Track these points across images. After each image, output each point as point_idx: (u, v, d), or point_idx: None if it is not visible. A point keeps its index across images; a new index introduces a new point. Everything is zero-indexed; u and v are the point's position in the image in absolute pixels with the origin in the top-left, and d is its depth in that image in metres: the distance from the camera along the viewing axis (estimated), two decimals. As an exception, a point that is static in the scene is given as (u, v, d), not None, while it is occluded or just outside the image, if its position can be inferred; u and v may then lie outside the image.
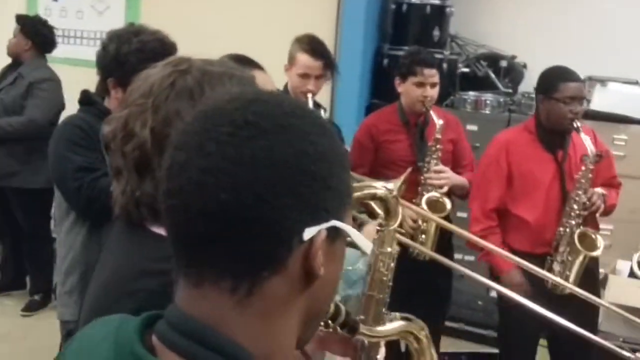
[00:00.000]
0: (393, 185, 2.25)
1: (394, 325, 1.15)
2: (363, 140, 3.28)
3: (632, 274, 4.34)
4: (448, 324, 4.18)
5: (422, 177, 3.11)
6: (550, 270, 2.89)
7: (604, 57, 4.75)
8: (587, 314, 2.74)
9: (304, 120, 0.75)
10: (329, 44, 4.75)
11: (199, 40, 4.69)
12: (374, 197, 1.37)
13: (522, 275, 2.89)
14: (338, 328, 0.94)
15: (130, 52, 2.10)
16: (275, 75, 3.13)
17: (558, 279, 2.69)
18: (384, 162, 3.21)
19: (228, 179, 0.69)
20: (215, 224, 0.70)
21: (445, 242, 3.21)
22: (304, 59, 2.95)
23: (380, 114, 3.38)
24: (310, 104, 2.91)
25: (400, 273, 3.09)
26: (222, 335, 0.70)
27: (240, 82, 1.15)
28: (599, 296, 3.11)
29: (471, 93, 4.63)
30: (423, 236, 3.10)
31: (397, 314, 1.18)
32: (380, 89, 4.85)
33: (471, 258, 3.33)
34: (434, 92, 3.14)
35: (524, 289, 2.79)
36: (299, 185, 0.71)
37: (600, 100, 4.45)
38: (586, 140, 2.82)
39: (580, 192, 2.86)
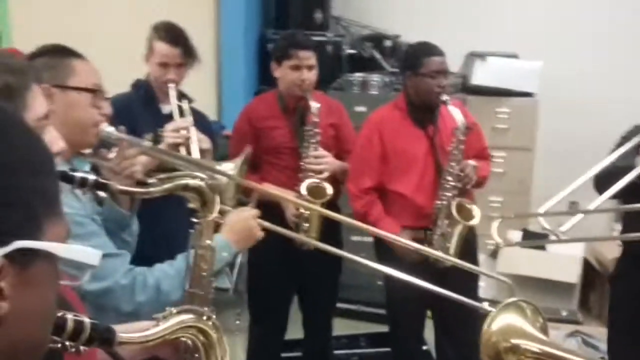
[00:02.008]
0: (233, 165, 2.20)
1: (168, 323, 1.05)
2: (241, 127, 3.19)
3: (523, 245, 4.48)
4: (346, 306, 4.18)
5: (301, 164, 3.03)
6: (430, 243, 2.91)
7: (485, 32, 4.84)
8: (467, 283, 2.77)
9: None
10: (210, 32, 4.66)
11: (79, 33, 4.50)
12: (185, 188, 1.30)
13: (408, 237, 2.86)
14: (82, 346, 0.83)
15: None
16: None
17: (439, 253, 2.68)
18: (266, 150, 3.13)
19: None
20: None
21: (333, 227, 3.15)
22: (162, 48, 2.82)
23: (259, 100, 3.30)
24: (173, 95, 2.78)
25: (285, 265, 3.07)
26: None
27: (7, 70, 1.06)
28: (476, 264, 3.17)
29: (357, 74, 4.62)
30: (306, 224, 3.02)
31: (173, 309, 1.09)
32: (268, 74, 4.77)
33: (358, 238, 3.30)
34: (311, 75, 3.06)
35: (411, 255, 2.77)
36: None
37: (481, 74, 4.53)
38: (455, 112, 2.84)
39: (453, 164, 2.88)
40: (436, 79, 2.88)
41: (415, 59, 2.96)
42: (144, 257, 2.02)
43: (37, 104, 1.10)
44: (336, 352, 3.66)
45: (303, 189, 2.96)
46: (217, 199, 1.33)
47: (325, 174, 3.01)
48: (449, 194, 2.90)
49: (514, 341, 1.19)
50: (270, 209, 2.95)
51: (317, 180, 3.00)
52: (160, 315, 1.08)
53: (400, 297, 3.00)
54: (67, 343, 0.81)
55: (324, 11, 4.68)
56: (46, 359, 0.86)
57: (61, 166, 1.69)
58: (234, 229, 1.77)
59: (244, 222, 1.78)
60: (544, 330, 1.23)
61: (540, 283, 4.37)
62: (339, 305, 3.93)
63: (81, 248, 0.69)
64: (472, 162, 2.96)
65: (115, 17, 4.42)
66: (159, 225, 2.57)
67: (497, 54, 4.61)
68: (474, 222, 2.89)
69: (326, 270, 3.17)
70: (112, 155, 1.88)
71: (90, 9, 4.55)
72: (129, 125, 2.89)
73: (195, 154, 2.61)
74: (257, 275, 3.30)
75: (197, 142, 2.65)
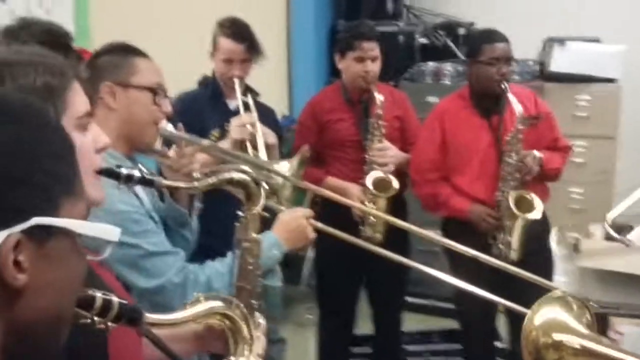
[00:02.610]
0: (289, 166, 2.19)
1: (196, 309, 1.06)
2: (305, 120, 3.17)
3: (608, 237, 4.27)
4: (418, 301, 4.12)
5: (366, 156, 3.00)
6: (494, 238, 2.84)
7: (564, 16, 4.65)
8: (540, 274, 2.68)
9: None
10: (281, 25, 4.68)
11: (151, 31, 4.62)
12: (230, 182, 1.29)
13: (482, 208, 2.87)
14: (110, 323, 0.86)
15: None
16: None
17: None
18: (329, 143, 3.11)
19: None
20: None
21: (399, 217, 3.12)
22: (226, 44, 2.83)
23: (324, 92, 3.28)
24: (238, 90, 2.80)
25: (351, 259, 3.06)
26: None
27: (48, 71, 1.07)
28: (550, 260, 3.05)
29: (430, 64, 4.52)
30: (372, 218, 2.99)
31: (201, 296, 1.09)
32: (339, 67, 4.78)
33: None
34: (375, 67, 3.01)
35: (490, 217, 2.81)
36: None
37: (560, 60, 4.35)
38: (513, 101, 2.74)
39: (512, 154, 2.79)
40: (496, 66, 2.78)
41: (476, 45, 2.88)
42: (201, 246, 2.04)
43: (77, 103, 1.11)
44: (408, 347, 3.60)
45: (368, 182, 2.93)
46: (262, 192, 1.32)
47: (391, 167, 2.97)
48: (509, 186, 2.81)
49: (556, 337, 1.12)
50: (335, 202, 2.93)
51: (383, 174, 2.96)
52: (188, 301, 1.09)
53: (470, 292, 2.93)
54: (96, 319, 0.85)
55: (396, 1, 4.61)
56: (89, 338, 0.91)
57: (122, 162, 1.73)
58: (285, 228, 1.78)
59: (296, 221, 1.79)
60: (591, 327, 1.15)
61: (624, 278, 4.16)
62: (411, 300, 3.88)
63: (98, 225, 0.74)
64: (536, 152, 2.85)
65: (189, 14, 4.51)
66: (217, 216, 2.60)
67: (577, 38, 4.42)
68: (534, 215, 2.77)
69: (393, 263, 3.12)
70: (172, 153, 1.90)
71: (165, 6, 4.66)
72: (196, 121, 2.94)
73: (261, 149, 2.61)
74: (325, 269, 3.29)
75: (263, 136, 2.65)
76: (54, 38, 2.10)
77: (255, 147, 2.62)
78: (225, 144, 2.70)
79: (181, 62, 3.71)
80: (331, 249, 3.16)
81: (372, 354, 3.47)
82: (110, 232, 0.75)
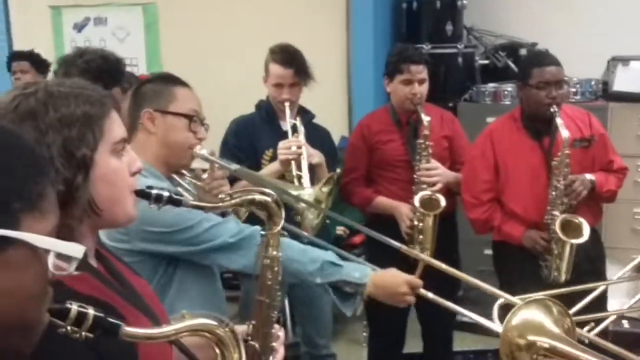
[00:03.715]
0: (312, 191, 2.27)
1: (179, 325, 1.04)
2: (356, 142, 3.26)
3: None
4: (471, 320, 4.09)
5: (414, 176, 3.07)
6: (545, 259, 2.85)
7: (629, 35, 4.56)
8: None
9: None
10: (341, 48, 4.79)
11: (217, 57, 4.83)
12: (252, 202, 1.39)
13: (534, 232, 2.87)
14: (85, 333, 0.89)
15: (77, 74, 2.19)
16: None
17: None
18: (379, 163, 3.19)
19: None
20: None
21: (449, 237, 3.18)
22: (275, 69, 2.97)
23: (373, 114, 3.36)
24: (288, 113, 2.93)
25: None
26: None
27: (87, 101, 1.18)
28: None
29: (490, 85, 4.52)
30: (421, 236, 3.04)
31: (187, 312, 1.12)
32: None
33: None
34: (422, 89, 3.08)
35: (542, 239, 2.82)
36: None
37: (624, 80, 4.28)
38: (560, 125, 2.73)
39: (560, 179, 2.77)
40: (545, 90, 2.78)
41: (526, 69, 2.90)
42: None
43: (114, 130, 1.21)
44: (461, 367, 3.61)
45: (416, 201, 2.99)
46: (283, 213, 1.41)
47: (439, 186, 3.02)
48: (558, 209, 2.80)
49: (530, 338, 1.14)
50: (384, 221, 3.01)
51: (430, 193, 3.01)
52: (174, 317, 1.11)
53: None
54: (69, 328, 0.88)
55: (455, 23, 4.64)
56: (119, 344, 0.96)
57: (162, 182, 1.87)
58: (384, 284, 1.97)
59: (398, 286, 1.97)
60: (570, 334, 1.17)
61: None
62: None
63: (61, 242, 0.77)
64: (585, 176, 2.83)
65: (253, 39, 4.68)
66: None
67: (641, 57, 4.34)
68: (580, 240, 2.74)
69: (443, 280, 3.14)
70: (205, 175, 2.04)
71: (227, 38, 4.86)
72: (252, 142, 3.09)
73: (304, 169, 2.73)
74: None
75: (308, 157, 2.77)
76: (108, 63, 2.30)
77: (299, 168, 2.74)
78: (276, 164, 2.84)
79: (244, 86, 3.87)
80: (380, 266, 3.22)
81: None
82: (71, 248, 0.78)
